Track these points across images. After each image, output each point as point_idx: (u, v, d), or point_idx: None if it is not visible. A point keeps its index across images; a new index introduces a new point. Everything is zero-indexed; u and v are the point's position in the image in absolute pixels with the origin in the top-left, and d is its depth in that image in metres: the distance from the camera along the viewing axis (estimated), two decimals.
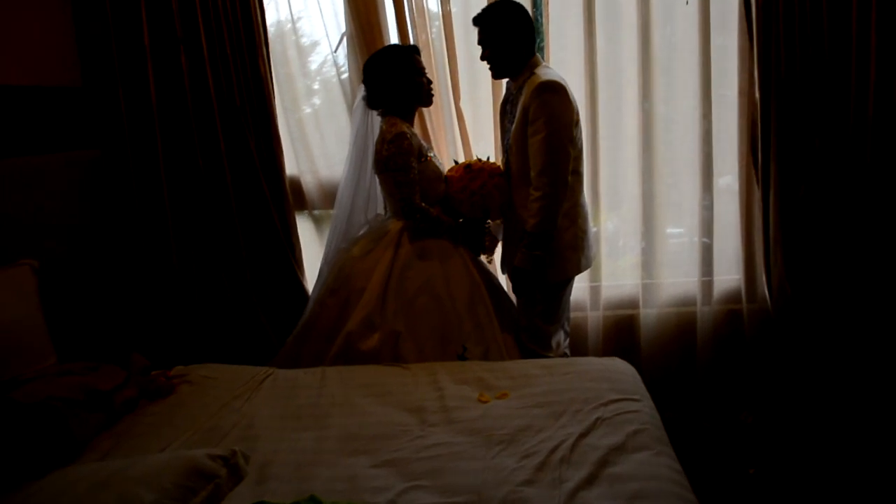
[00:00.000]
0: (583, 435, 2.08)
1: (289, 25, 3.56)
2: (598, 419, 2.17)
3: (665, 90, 3.52)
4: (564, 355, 3.11)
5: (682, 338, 3.65)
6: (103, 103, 3.23)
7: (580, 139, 2.94)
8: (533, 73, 2.87)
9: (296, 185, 3.58)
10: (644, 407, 2.27)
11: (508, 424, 2.18)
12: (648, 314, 3.64)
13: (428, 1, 3.43)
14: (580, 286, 3.51)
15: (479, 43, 2.97)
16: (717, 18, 3.41)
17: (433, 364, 2.71)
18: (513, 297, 3.16)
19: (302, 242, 3.55)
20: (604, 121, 3.51)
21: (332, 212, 3.35)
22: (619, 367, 2.61)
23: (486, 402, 2.36)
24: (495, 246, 3.22)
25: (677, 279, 3.67)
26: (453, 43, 3.41)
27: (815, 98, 3.26)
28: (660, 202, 3.58)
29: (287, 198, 3.45)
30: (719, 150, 3.53)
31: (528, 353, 3.00)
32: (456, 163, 3.21)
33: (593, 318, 3.64)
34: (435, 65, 3.42)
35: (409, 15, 3.37)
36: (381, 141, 3.00)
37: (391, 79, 3.00)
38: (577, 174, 2.95)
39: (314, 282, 3.32)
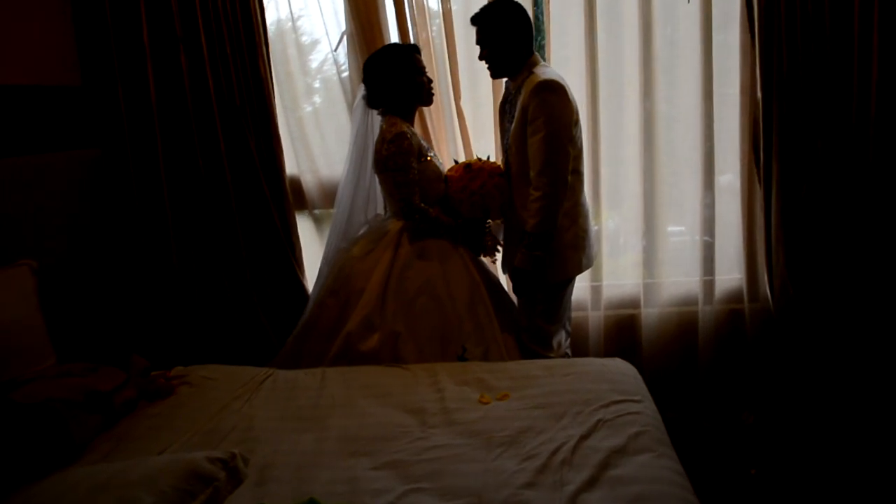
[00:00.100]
0: (584, 437, 2.07)
1: (289, 24, 3.55)
2: (599, 421, 2.16)
3: (666, 88, 3.50)
4: (566, 355, 3.10)
5: (684, 337, 3.64)
6: (103, 103, 3.22)
7: (580, 138, 2.93)
8: (532, 73, 2.86)
9: (296, 184, 3.57)
10: (645, 408, 2.26)
11: (509, 426, 2.17)
12: (650, 314, 3.63)
13: None
14: (581, 285, 3.50)
15: (478, 42, 2.95)
16: (718, 17, 3.40)
17: (434, 365, 2.70)
18: (514, 297, 3.14)
19: (302, 242, 3.54)
20: (605, 119, 3.50)
21: (332, 211, 3.35)
22: (621, 368, 2.60)
23: (486, 403, 2.35)
24: (496, 246, 3.21)
25: (679, 278, 3.66)
26: (454, 41, 3.40)
27: (818, 97, 3.25)
28: (661, 201, 3.57)
29: (287, 197, 3.44)
30: (721, 148, 3.52)
31: (529, 353, 2.99)
32: (456, 162, 3.19)
33: (594, 318, 3.63)
34: (435, 63, 3.41)
35: (410, 13, 3.36)
36: (381, 140, 2.99)
37: (391, 78, 3.00)
38: (578, 173, 2.94)
39: (314, 281, 3.31)
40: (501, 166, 3.08)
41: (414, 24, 3.36)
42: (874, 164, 3.22)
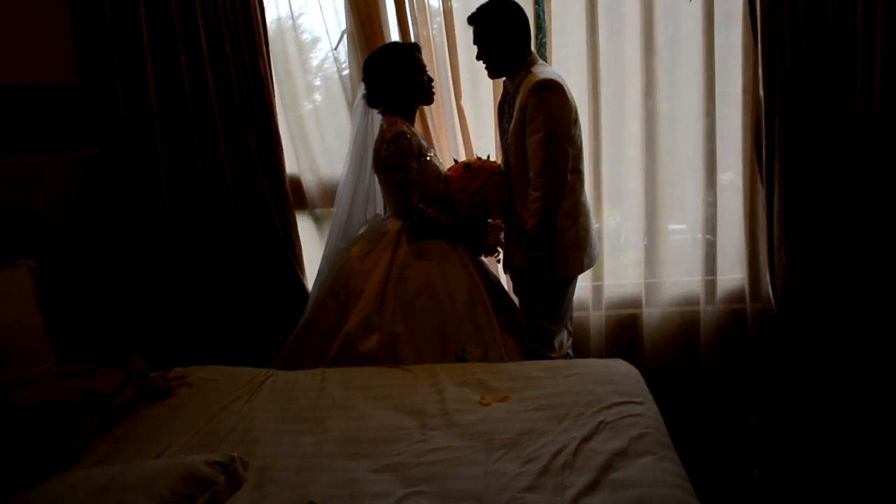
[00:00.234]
0: (585, 439, 2.06)
1: (289, 22, 3.53)
2: (600, 423, 2.15)
3: (668, 87, 3.49)
4: (567, 356, 3.09)
5: (686, 337, 3.63)
6: (102, 102, 3.20)
7: (579, 137, 2.92)
8: (530, 72, 2.84)
9: (296, 183, 3.56)
10: (647, 410, 2.25)
11: (510, 428, 2.16)
12: (651, 313, 3.62)
13: None
14: (582, 285, 3.48)
15: (475, 42, 2.94)
16: (720, 15, 3.39)
17: (434, 366, 2.69)
18: (514, 297, 3.13)
19: (302, 241, 3.53)
20: (606, 118, 3.49)
21: (332, 210, 3.33)
22: (622, 369, 2.58)
23: (487, 404, 2.34)
24: (497, 246, 3.20)
25: (680, 278, 3.65)
26: (454, 39, 3.39)
27: (820, 96, 3.23)
28: (663, 201, 3.56)
29: (287, 197, 3.43)
30: (723, 147, 3.51)
31: (530, 353, 2.98)
32: (456, 162, 3.18)
33: (595, 318, 3.62)
34: (436, 62, 3.40)
35: (410, 11, 3.35)
36: (381, 140, 2.98)
37: (391, 77, 2.98)
38: (578, 172, 2.92)
39: (313, 281, 3.30)
40: (501, 165, 3.06)
41: (414, 22, 3.35)
42: (877, 163, 3.21)
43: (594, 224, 3.12)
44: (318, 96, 3.70)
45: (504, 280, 3.36)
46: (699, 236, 3.58)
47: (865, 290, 3.29)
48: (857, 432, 3.18)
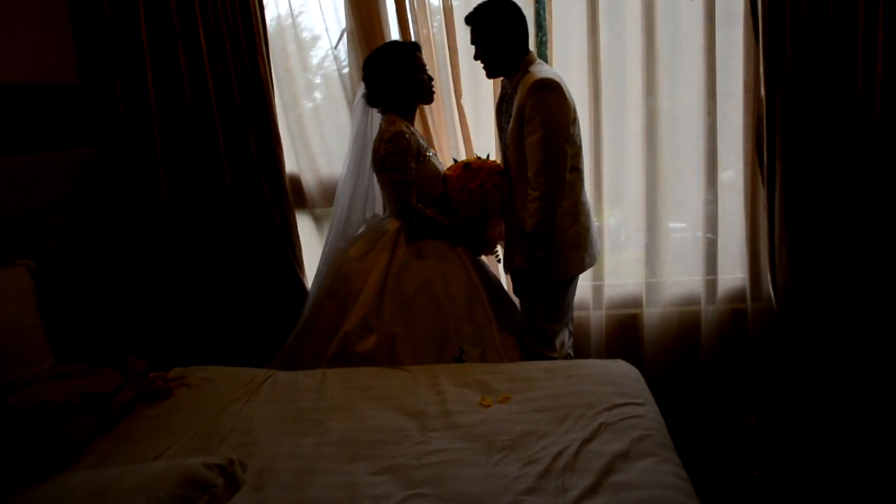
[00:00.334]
0: (586, 441, 2.06)
1: (289, 20, 3.53)
2: (601, 424, 2.14)
3: (669, 86, 3.48)
4: (568, 355, 3.09)
5: (686, 337, 3.62)
6: (101, 101, 3.19)
7: (578, 136, 2.91)
8: (528, 72, 2.83)
9: (296, 183, 3.55)
10: (648, 411, 2.24)
11: (510, 430, 2.16)
12: (652, 313, 3.62)
13: None
14: (583, 285, 3.47)
15: (473, 42, 2.93)
16: (722, 14, 3.38)
17: (434, 366, 2.68)
18: (514, 297, 3.12)
19: (302, 241, 3.52)
20: (607, 117, 3.48)
21: (332, 210, 3.32)
22: (623, 370, 2.58)
23: (487, 406, 2.33)
24: (495, 244, 3.19)
25: (681, 278, 3.64)
26: (454, 38, 3.38)
27: (822, 95, 3.22)
28: (664, 200, 3.55)
29: (287, 196, 3.42)
30: (724, 147, 3.50)
31: (531, 353, 2.97)
32: (455, 161, 3.17)
33: (596, 318, 3.62)
34: (436, 60, 3.39)
35: (410, 9, 3.34)
36: (380, 139, 2.97)
37: (391, 76, 2.97)
38: (577, 171, 2.91)
39: (312, 281, 3.30)
40: (501, 165, 3.05)
41: (414, 21, 3.34)
42: (878, 162, 3.20)
43: (594, 223, 3.11)
44: (317, 94, 3.69)
45: (504, 280, 3.35)
46: (699, 234, 3.57)
47: (866, 290, 3.28)
48: (858, 432, 3.17)
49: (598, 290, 3.62)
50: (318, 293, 3.09)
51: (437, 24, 3.42)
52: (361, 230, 3.18)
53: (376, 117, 3.12)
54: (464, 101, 3.44)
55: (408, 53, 3.00)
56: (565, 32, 3.47)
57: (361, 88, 3.11)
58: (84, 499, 1.73)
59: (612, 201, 3.64)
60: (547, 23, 3.42)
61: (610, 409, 2.23)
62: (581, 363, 2.72)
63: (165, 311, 3.28)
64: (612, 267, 3.70)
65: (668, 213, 3.59)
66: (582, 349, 3.54)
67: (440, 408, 2.32)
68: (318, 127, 3.60)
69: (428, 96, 3.07)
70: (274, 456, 2.09)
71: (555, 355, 2.98)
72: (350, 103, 3.41)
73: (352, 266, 3.01)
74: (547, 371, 2.56)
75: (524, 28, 2.91)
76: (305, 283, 3.45)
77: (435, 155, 3.14)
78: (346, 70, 3.50)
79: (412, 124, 3.07)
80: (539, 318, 3.00)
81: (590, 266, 3.06)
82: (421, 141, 3.03)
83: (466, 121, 3.44)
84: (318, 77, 3.69)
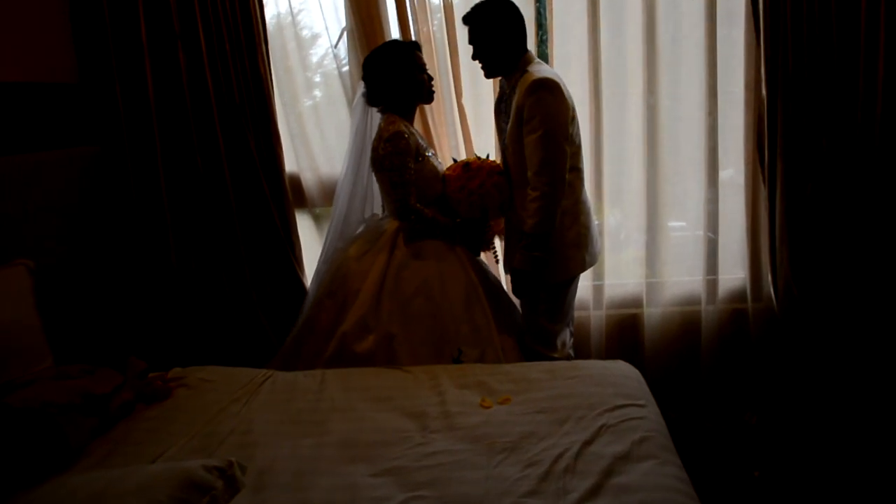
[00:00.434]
0: (587, 443, 2.05)
1: (289, 19, 3.51)
2: (602, 426, 2.13)
3: (670, 85, 3.47)
4: (569, 356, 3.08)
5: (686, 337, 3.62)
6: (101, 100, 3.18)
7: (577, 135, 2.90)
8: (526, 72, 2.82)
9: (295, 182, 3.54)
10: (649, 413, 2.24)
11: (511, 431, 2.15)
12: (652, 313, 3.61)
13: None
14: (583, 285, 3.46)
15: (470, 42, 2.92)
16: (723, 13, 3.37)
17: (434, 367, 2.67)
18: (515, 298, 3.11)
19: (302, 240, 3.51)
20: (608, 116, 3.47)
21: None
22: (624, 371, 2.57)
23: (488, 407, 2.32)
24: (493, 236, 3.18)
25: (681, 278, 3.63)
26: (455, 36, 3.37)
27: (823, 95, 3.21)
28: (664, 200, 3.54)
29: (287, 195, 3.41)
30: (724, 146, 3.50)
31: (533, 354, 2.96)
32: (455, 161, 3.15)
33: (596, 318, 3.62)
34: (436, 59, 3.38)
35: (410, 7, 3.33)
36: (379, 139, 2.95)
37: (391, 76, 2.96)
38: (577, 170, 2.91)
39: (311, 280, 3.29)
40: (501, 165, 3.04)
41: (415, 19, 3.33)
42: (879, 162, 3.19)
43: (595, 222, 3.10)
44: (317, 92, 3.68)
45: (504, 281, 3.34)
46: (700, 233, 3.57)
47: (867, 290, 3.27)
48: (859, 433, 3.17)
49: (598, 289, 3.61)
50: (318, 293, 3.08)
51: (437, 22, 3.41)
52: (360, 230, 3.17)
53: (376, 117, 3.11)
54: (464, 100, 3.43)
55: (408, 53, 2.99)
56: (566, 31, 3.46)
57: (361, 87, 3.10)
58: (83, 501, 1.72)
59: (612, 200, 3.63)
60: (547, 22, 3.41)
61: (611, 410, 2.22)
62: (582, 364, 2.71)
63: (165, 311, 3.28)
64: (612, 266, 3.69)
65: (668, 213, 3.58)
66: (582, 349, 3.53)
67: (440, 409, 2.31)
68: (317, 126, 3.59)
69: (428, 96, 3.06)
70: (273, 458, 2.08)
71: (556, 355, 2.97)
72: (350, 102, 3.40)
73: (350, 266, 3.00)
74: (547, 372, 2.55)
75: (522, 27, 2.89)
76: (305, 282, 3.44)
77: (434, 155, 3.12)
78: (345, 68, 3.49)
79: (412, 124, 3.06)
80: (540, 317, 2.99)
81: (591, 265, 3.05)
82: (420, 141, 3.02)
83: (467, 120, 3.43)
84: (318, 75, 3.68)
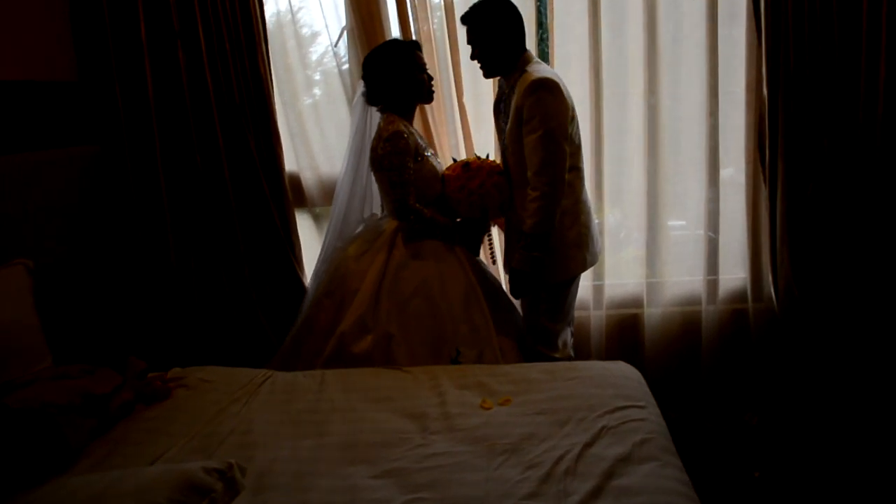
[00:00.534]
0: (588, 445, 2.04)
1: (288, 17, 3.51)
2: (603, 428, 2.13)
3: (671, 85, 3.46)
4: (569, 356, 3.07)
5: (687, 337, 3.61)
6: (100, 99, 3.17)
7: (577, 134, 2.89)
8: (525, 72, 2.81)
9: (295, 181, 3.53)
10: (650, 414, 2.23)
11: (511, 433, 2.14)
12: (652, 313, 3.61)
13: None
14: (583, 284, 3.44)
15: (469, 42, 2.91)
16: (724, 13, 3.36)
17: (434, 368, 2.66)
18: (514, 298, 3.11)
19: (302, 240, 3.50)
20: (608, 116, 3.47)
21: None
22: (624, 372, 2.56)
23: (488, 408, 2.32)
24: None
25: (682, 278, 3.63)
26: (456, 35, 3.35)
27: (824, 95, 3.21)
28: (665, 200, 3.54)
29: (287, 195, 3.40)
30: (725, 146, 3.49)
31: (534, 354, 2.96)
32: (454, 161, 3.14)
33: (596, 318, 3.61)
34: (437, 57, 3.37)
35: (411, 6, 3.32)
36: (378, 138, 2.95)
37: (391, 75, 2.95)
38: (577, 170, 2.90)
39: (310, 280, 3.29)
40: (501, 165, 3.03)
41: (415, 18, 3.32)
42: (880, 162, 3.18)
43: (595, 221, 3.09)
44: (317, 90, 3.67)
45: (504, 281, 3.33)
46: (700, 233, 3.56)
47: (868, 290, 3.27)
48: (859, 433, 3.16)
49: (598, 289, 3.61)
50: (317, 292, 3.08)
51: (437, 20, 3.40)
52: (359, 230, 3.16)
53: (375, 116, 3.10)
54: (465, 99, 3.42)
55: (408, 52, 2.98)
56: (566, 31, 3.45)
57: (361, 87, 3.09)
58: (83, 502, 1.72)
59: (612, 200, 3.63)
60: (548, 21, 3.40)
61: (611, 412, 2.22)
62: (582, 365, 2.70)
63: (164, 311, 3.27)
64: (612, 265, 3.69)
65: (669, 213, 3.58)
66: (582, 349, 3.52)
67: (440, 410, 2.31)
68: (317, 125, 3.58)
69: (427, 96, 3.05)
70: (273, 459, 2.07)
71: (558, 355, 2.96)
72: (350, 100, 3.39)
73: (349, 266, 2.99)
74: (547, 373, 2.54)
75: (521, 27, 2.89)
76: (305, 282, 3.44)
77: (433, 155, 3.12)
78: (345, 66, 3.48)
79: (411, 123, 3.05)
80: (541, 317, 2.98)
81: (591, 265, 3.05)
82: (419, 140, 3.01)
83: (467, 119, 3.42)
84: (318, 73, 3.68)
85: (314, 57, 3.64)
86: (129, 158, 3.19)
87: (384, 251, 2.96)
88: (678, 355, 3.62)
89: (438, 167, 3.07)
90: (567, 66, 3.41)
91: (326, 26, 3.45)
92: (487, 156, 3.07)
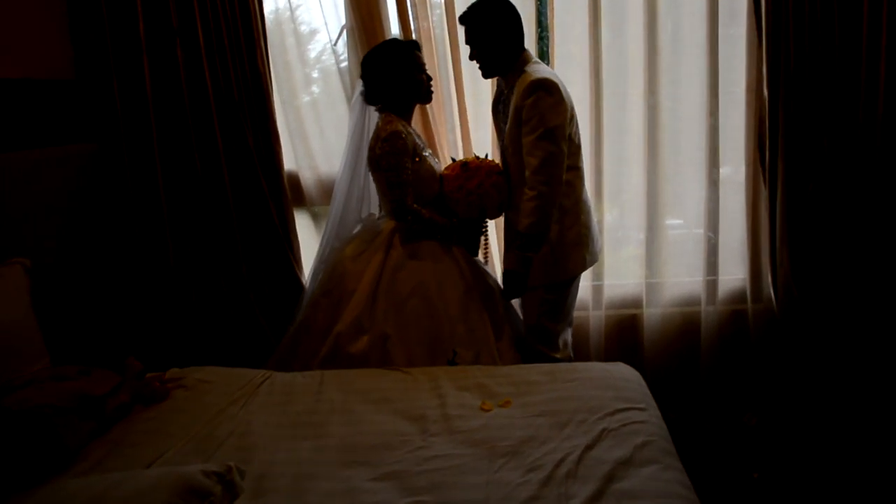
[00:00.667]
0: (589, 447, 2.04)
1: (287, 14, 3.49)
2: (604, 430, 2.12)
3: (671, 85, 3.45)
4: (569, 357, 3.06)
5: (686, 338, 3.61)
6: (98, 97, 3.15)
7: (576, 134, 2.89)
8: (524, 72, 2.81)
9: (294, 180, 3.52)
10: (650, 417, 2.23)
11: (512, 435, 2.13)
12: (652, 314, 3.60)
13: None
14: (583, 285, 3.42)
15: (467, 42, 2.90)
16: (724, 13, 3.35)
17: (434, 369, 2.65)
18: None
19: (301, 239, 3.49)
20: (608, 115, 3.46)
21: None
22: (624, 374, 2.55)
23: (488, 410, 2.31)
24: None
25: (681, 279, 3.62)
26: (456, 33, 3.33)
27: (825, 95, 3.20)
28: (664, 199, 3.53)
29: (285, 193, 3.39)
30: (725, 146, 3.48)
31: (534, 354, 2.95)
32: (453, 160, 3.13)
33: (595, 318, 3.60)
34: (436, 56, 3.35)
35: (411, 5, 3.30)
36: (376, 138, 2.93)
37: (390, 75, 2.94)
38: (577, 169, 2.90)
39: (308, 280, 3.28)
40: (500, 165, 3.02)
41: (415, 16, 3.31)
42: (880, 162, 3.18)
43: (595, 220, 3.08)
44: (315, 88, 3.65)
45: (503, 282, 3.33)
46: (699, 232, 3.55)
47: (868, 291, 3.26)
48: (859, 434, 3.16)
49: (597, 290, 3.60)
50: (314, 292, 3.07)
51: (437, 18, 3.38)
52: (357, 230, 3.15)
53: (374, 115, 3.08)
54: (464, 99, 3.40)
55: (407, 52, 2.97)
56: (566, 30, 3.44)
57: (359, 86, 3.08)
58: None
59: (612, 200, 3.62)
60: (548, 20, 3.39)
61: (612, 414, 2.21)
62: (582, 366, 2.69)
63: (162, 310, 3.25)
64: (611, 265, 3.68)
65: (669, 213, 3.57)
66: (581, 350, 3.51)
67: (440, 412, 2.30)
68: (316, 123, 3.56)
69: (426, 96, 3.04)
70: (272, 461, 2.06)
71: (558, 355, 2.96)
72: (348, 98, 3.37)
73: (346, 266, 2.98)
74: (547, 374, 2.53)
75: (519, 27, 2.88)
76: (303, 281, 3.42)
77: (431, 155, 3.10)
78: (344, 64, 3.46)
79: (409, 123, 3.04)
80: (542, 317, 2.97)
81: (591, 264, 3.05)
82: (417, 140, 3.00)
83: (467, 118, 3.41)
84: (316, 71, 3.66)
85: (313, 54, 3.63)
86: (127, 157, 3.17)
87: (381, 251, 2.95)
88: (677, 356, 3.61)
89: (436, 167, 3.06)
90: (567, 66, 3.40)
91: (325, 23, 3.44)
92: (486, 155, 3.06)
